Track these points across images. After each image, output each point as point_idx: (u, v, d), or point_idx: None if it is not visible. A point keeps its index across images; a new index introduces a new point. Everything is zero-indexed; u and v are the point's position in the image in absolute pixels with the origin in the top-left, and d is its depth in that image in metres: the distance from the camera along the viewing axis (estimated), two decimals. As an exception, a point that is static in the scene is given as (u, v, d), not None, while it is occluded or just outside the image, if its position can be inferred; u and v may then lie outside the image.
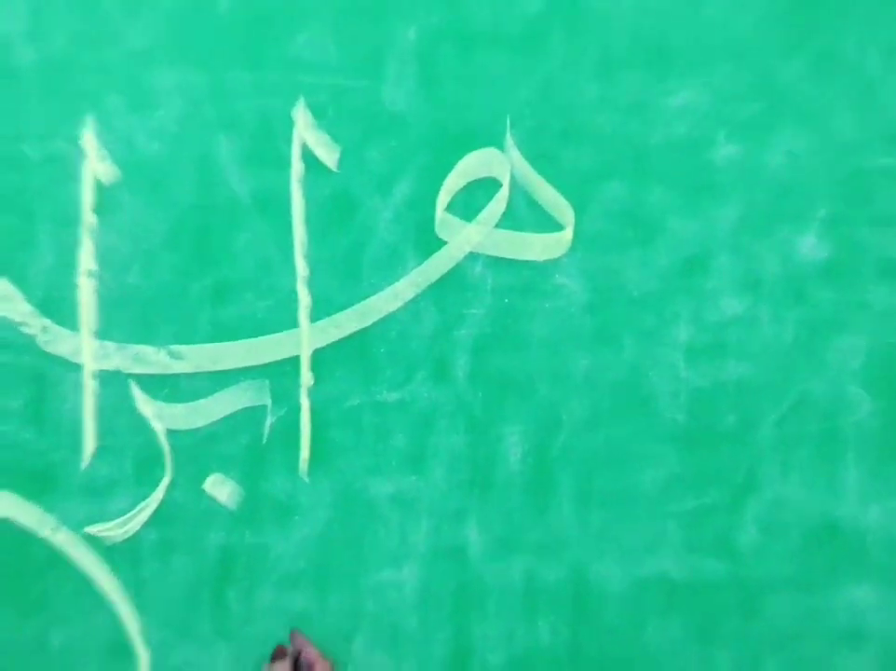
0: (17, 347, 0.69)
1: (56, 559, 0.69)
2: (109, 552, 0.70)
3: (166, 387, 0.70)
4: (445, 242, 0.72)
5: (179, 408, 0.70)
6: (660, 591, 0.70)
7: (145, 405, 0.70)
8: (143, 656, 0.69)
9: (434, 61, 0.71)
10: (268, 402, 0.71)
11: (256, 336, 0.71)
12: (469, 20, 0.71)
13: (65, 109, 0.70)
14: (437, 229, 0.72)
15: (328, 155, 0.71)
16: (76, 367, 0.70)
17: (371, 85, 0.71)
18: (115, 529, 0.69)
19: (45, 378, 0.70)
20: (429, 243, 0.72)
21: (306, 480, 0.71)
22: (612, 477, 0.71)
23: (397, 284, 0.72)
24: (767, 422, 0.71)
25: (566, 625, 0.70)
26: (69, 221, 0.70)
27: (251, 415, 0.71)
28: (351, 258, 0.71)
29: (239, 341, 0.71)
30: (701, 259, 0.72)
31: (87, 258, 0.70)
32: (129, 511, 0.70)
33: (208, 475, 0.71)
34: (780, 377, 0.71)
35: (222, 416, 0.71)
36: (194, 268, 0.71)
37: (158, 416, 0.70)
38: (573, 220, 0.72)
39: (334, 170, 0.71)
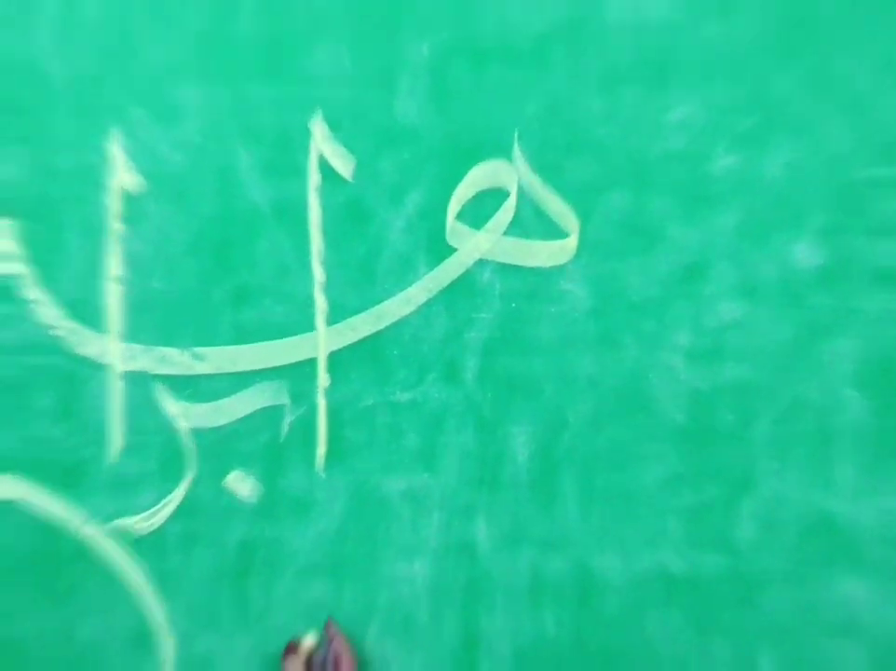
0: (48, 349, 0.70)
1: (84, 552, 0.69)
2: (135, 545, 0.69)
3: (189, 387, 0.71)
4: (455, 249, 0.72)
5: (201, 408, 0.71)
6: (660, 584, 0.69)
7: (170, 405, 0.70)
8: (168, 645, 0.69)
9: (445, 77, 0.72)
10: (286, 402, 0.71)
11: (275, 339, 0.71)
12: (479, 37, 0.72)
13: (93, 122, 0.71)
14: (447, 237, 0.72)
15: (343, 166, 0.71)
16: (104, 368, 0.70)
17: (384, 99, 0.71)
18: (141, 523, 0.70)
19: (74, 379, 0.70)
20: (440, 250, 0.72)
21: (323, 476, 0.71)
22: (614, 475, 0.70)
23: (409, 289, 0.72)
24: (764, 422, 0.70)
25: (570, 616, 0.69)
26: (97, 229, 0.71)
27: (270, 414, 0.71)
28: (365, 264, 0.72)
29: (259, 344, 0.71)
30: (700, 266, 0.71)
31: (114, 264, 0.71)
32: (155, 505, 0.70)
33: (229, 472, 0.70)
34: (776, 379, 0.70)
35: (242, 415, 0.71)
36: (215, 274, 0.71)
37: (182, 415, 0.70)
38: (577, 228, 0.71)
39: (349, 180, 0.71)
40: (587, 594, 0.70)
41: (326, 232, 0.71)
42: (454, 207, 0.71)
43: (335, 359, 0.71)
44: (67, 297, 0.70)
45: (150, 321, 0.71)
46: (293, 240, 0.71)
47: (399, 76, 0.71)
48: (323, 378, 0.71)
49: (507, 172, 0.71)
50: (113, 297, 0.71)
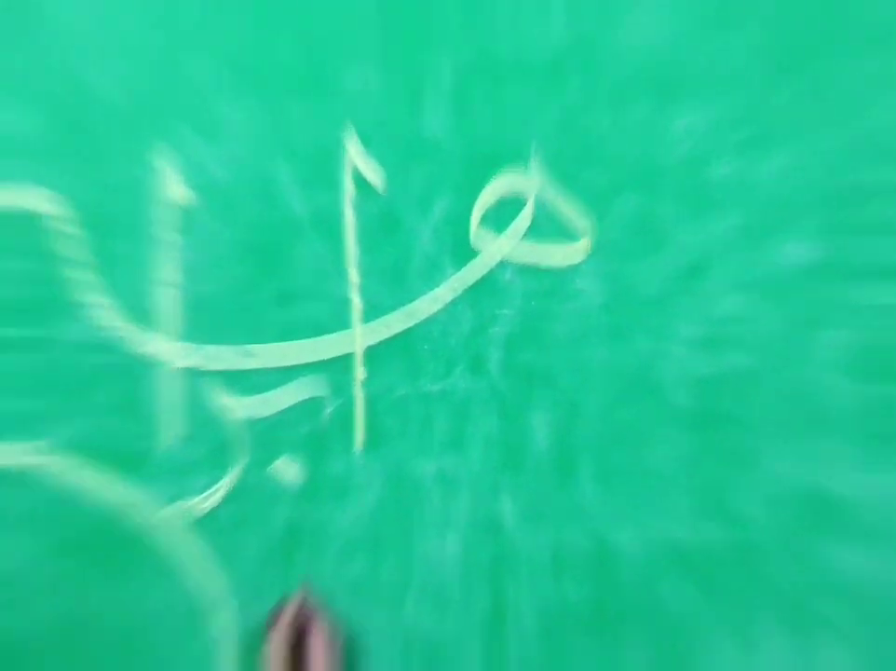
0: (110, 349, 0.73)
1: (147, 532, 0.72)
2: (192, 525, 0.72)
3: (238, 381, 0.73)
4: (479, 253, 0.74)
5: (250, 400, 0.73)
6: (672, 554, 0.72)
7: (221, 398, 0.73)
8: (223, 617, 0.71)
9: (466, 94, 0.74)
10: (327, 393, 0.73)
11: (316, 337, 0.74)
12: (497, 57, 0.74)
13: (143, 139, 0.74)
14: (472, 242, 0.74)
15: (375, 178, 0.74)
16: (161, 366, 0.73)
17: (411, 115, 0.74)
18: (197, 505, 0.72)
19: (134, 376, 0.73)
20: (465, 254, 0.74)
21: (361, 461, 0.73)
22: (627, 455, 0.72)
23: (437, 290, 0.74)
24: (763, 406, 0.72)
25: (589, 584, 0.71)
26: (151, 239, 0.74)
27: (312, 405, 0.73)
28: (397, 268, 0.74)
29: (301, 341, 0.74)
30: (703, 264, 0.73)
31: (168, 271, 0.74)
32: (208, 489, 0.73)
33: (275, 458, 0.73)
34: (773, 367, 0.72)
35: (287, 406, 0.73)
36: (261, 279, 0.74)
37: (232, 407, 0.73)
38: (589, 231, 0.74)
39: (381, 191, 0.74)
40: (604, 564, 0.72)
41: (360, 239, 0.74)
42: (476, 214, 0.74)
43: (371, 354, 0.74)
44: (126, 302, 0.73)
45: (202, 322, 0.74)
46: (331, 247, 0.74)
47: (424, 94, 0.74)
48: (360, 372, 0.74)
49: (524, 182, 0.74)
50: (168, 301, 0.74)
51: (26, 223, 0.73)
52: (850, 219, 0.73)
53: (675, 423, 0.73)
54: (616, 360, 0.74)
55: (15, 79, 0.74)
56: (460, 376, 0.74)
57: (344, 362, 0.74)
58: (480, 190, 0.74)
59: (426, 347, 0.74)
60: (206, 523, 0.73)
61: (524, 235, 0.74)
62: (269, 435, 0.73)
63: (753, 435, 0.72)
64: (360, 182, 0.74)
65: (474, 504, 0.73)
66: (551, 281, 0.74)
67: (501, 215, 0.74)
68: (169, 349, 0.74)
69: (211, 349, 0.74)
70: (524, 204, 0.74)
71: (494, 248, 0.74)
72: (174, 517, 0.73)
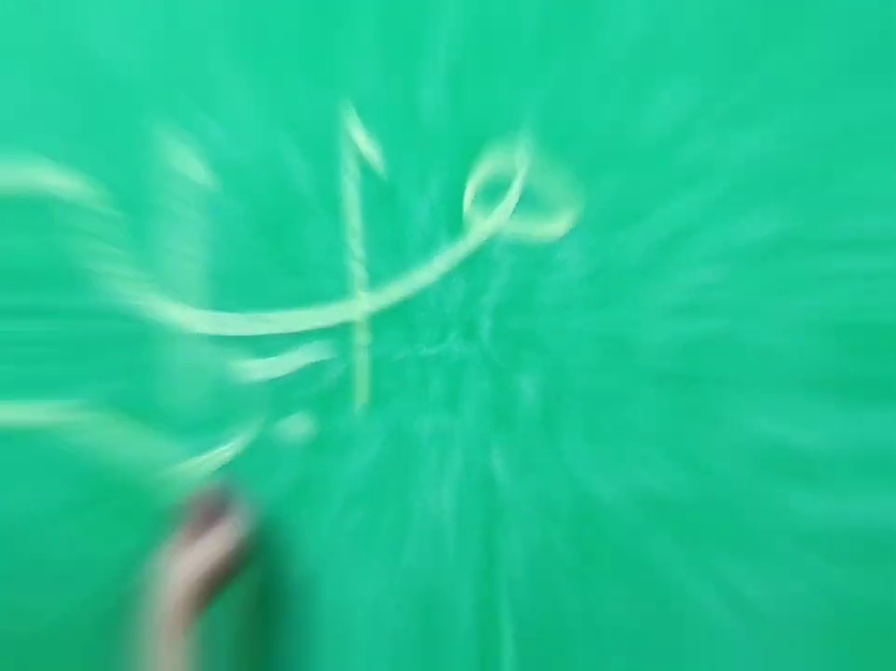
0: (134, 316, 0.77)
1: (167, 484, 0.76)
2: (209, 477, 0.76)
3: (251, 346, 0.76)
4: (472, 227, 0.75)
5: (263, 363, 0.76)
6: (650, 504, 0.73)
7: (236, 361, 0.76)
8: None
9: (461, 74, 0.75)
10: (332, 357, 0.76)
11: (322, 305, 0.76)
12: (490, 35, 0.74)
13: (156, 116, 0.76)
14: (465, 217, 0.75)
15: (374, 157, 0.76)
16: (182, 332, 0.76)
17: (408, 93, 0.75)
18: (213, 459, 0.77)
19: (157, 341, 0.76)
20: (459, 228, 0.75)
21: (363, 419, 0.76)
22: (609, 414, 0.74)
23: (433, 262, 0.75)
24: (736, 368, 0.74)
25: (575, 534, 0.73)
26: (171, 215, 0.77)
27: (319, 368, 0.76)
28: (396, 242, 0.76)
29: (309, 308, 0.76)
30: (681, 235, 0.73)
31: (187, 245, 0.77)
32: (224, 445, 0.76)
33: (286, 416, 0.76)
34: (747, 332, 0.73)
35: (296, 368, 0.76)
36: (271, 251, 0.76)
37: (247, 369, 0.76)
38: (575, 206, 0.74)
39: (380, 170, 0.76)
40: (587, 513, 0.74)
41: (362, 214, 0.76)
42: (470, 191, 0.75)
43: (372, 320, 0.76)
44: (151, 274, 0.76)
45: (217, 292, 0.77)
46: (334, 221, 0.76)
47: (420, 75, 0.75)
48: (362, 337, 0.76)
49: (515, 159, 0.76)
50: (187, 273, 0.77)
51: (50, 201, 0.76)
52: (821, 194, 0.73)
53: (653, 384, 0.75)
54: (598, 326, 0.75)
55: (30, 55, 0.76)
56: (454, 341, 0.76)
57: (347, 328, 0.76)
58: (473, 168, 0.75)
59: (422, 314, 0.76)
60: (223, 475, 0.77)
61: (514, 210, 0.76)
62: (280, 395, 0.76)
63: (726, 395, 0.74)
64: (361, 161, 0.76)
65: (467, 459, 0.75)
66: (539, 253, 0.75)
67: (492, 192, 0.76)
68: (186, 317, 0.77)
69: (228, 316, 0.77)
70: (513, 181, 0.76)
71: (486, 223, 0.76)
72: (193, 470, 0.77)
